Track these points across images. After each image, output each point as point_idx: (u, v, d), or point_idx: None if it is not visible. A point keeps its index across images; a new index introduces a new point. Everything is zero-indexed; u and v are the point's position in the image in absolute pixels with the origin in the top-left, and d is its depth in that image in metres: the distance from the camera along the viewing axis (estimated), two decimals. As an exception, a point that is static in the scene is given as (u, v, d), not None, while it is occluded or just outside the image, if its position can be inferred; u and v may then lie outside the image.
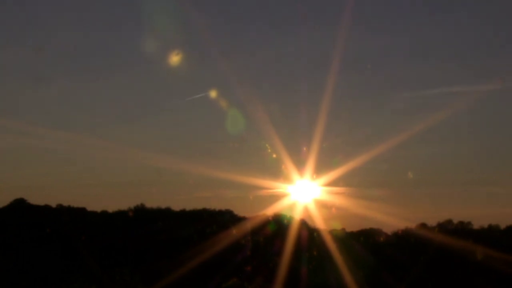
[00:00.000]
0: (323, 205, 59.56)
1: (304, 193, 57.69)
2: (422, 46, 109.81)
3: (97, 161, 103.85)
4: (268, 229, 55.23)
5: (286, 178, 55.39)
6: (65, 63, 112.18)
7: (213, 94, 59.19)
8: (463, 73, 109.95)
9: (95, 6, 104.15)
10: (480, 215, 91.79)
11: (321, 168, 54.77)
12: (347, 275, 44.57)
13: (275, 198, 71.18)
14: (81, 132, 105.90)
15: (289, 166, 53.16)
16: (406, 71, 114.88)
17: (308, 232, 54.38)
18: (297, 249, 49.37)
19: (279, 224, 55.80)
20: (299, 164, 53.81)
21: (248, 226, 55.64)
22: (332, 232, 54.92)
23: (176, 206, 75.07)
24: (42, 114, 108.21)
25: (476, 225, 73.19)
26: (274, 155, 52.98)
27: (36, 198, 68.75)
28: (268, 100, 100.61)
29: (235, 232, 57.35)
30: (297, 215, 59.06)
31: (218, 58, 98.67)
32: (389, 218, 67.54)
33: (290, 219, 56.31)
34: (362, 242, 58.45)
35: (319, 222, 59.21)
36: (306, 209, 59.56)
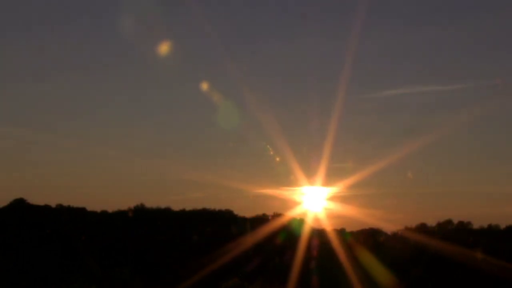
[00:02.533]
0: (327, 208, 59.74)
1: (310, 197, 57.74)
2: (432, 44, 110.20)
3: (97, 161, 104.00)
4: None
5: (289, 180, 55.39)
6: (65, 62, 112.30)
7: (220, 100, 59.15)
8: (467, 71, 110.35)
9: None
10: (480, 215, 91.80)
11: (322, 170, 54.81)
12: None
13: (275, 198, 71.39)
14: (80, 133, 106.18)
15: (293, 168, 53.14)
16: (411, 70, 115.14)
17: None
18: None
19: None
20: (303, 167, 53.79)
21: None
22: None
23: (176, 206, 75.23)
24: (40, 115, 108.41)
25: (476, 225, 73.25)
26: (278, 158, 52.97)
27: (36, 198, 68.79)
28: (275, 101, 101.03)
29: (241, 235, 57.33)
30: (303, 219, 59.02)
31: (225, 59, 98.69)
32: (389, 219, 67.59)
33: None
34: (362, 242, 58.37)
35: (325, 225, 59.32)
36: (311, 213, 59.62)
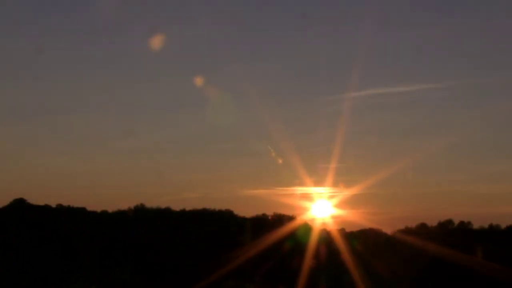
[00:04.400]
0: (327, 208, 59.65)
1: (310, 197, 57.65)
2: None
3: (97, 161, 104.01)
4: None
5: (287, 181, 55.36)
6: (64, 62, 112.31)
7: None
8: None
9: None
10: (480, 215, 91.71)
11: (321, 170, 54.79)
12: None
13: (274, 198, 71.26)
14: (80, 133, 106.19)
15: (293, 169, 53.04)
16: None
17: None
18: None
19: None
20: (302, 168, 53.68)
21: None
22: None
23: (176, 206, 75.17)
24: (40, 115, 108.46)
25: (476, 225, 73.10)
26: (280, 161, 52.99)
27: (36, 198, 68.74)
28: (275, 101, 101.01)
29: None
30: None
31: (225, 57, 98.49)
32: (389, 219, 67.48)
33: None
34: (362, 242, 58.29)
35: (325, 225, 59.19)
36: (312, 214, 59.44)
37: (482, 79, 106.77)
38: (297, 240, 53.67)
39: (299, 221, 61.44)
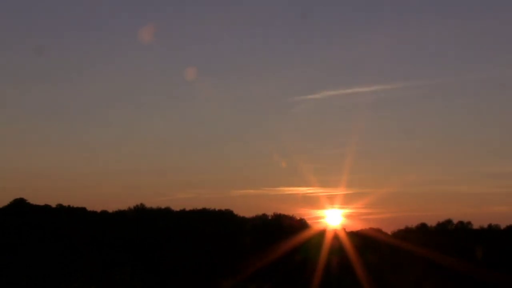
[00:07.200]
0: (329, 209, 59.72)
1: (309, 198, 57.68)
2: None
3: (96, 161, 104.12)
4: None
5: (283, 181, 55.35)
6: (64, 63, 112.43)
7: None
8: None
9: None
10: (480, 215, 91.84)
11: (320, 169, 54.84)
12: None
13: (273, 198, 71.40)
14: (80, 133, 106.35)
15: (291, 169, 53.16)
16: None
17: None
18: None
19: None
20: (301, 168, 53.74)
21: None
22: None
23: (176, 206, 75.27)
24: (40, 115, 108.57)
25: (476, 225, 73.18)
26: (283, 164, 53.18)
27: (36, 198, 68.82)
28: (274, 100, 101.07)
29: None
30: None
31: (223, 55, 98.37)
32: (389, 218, 67.47)
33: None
34: (363, 242, 58.32)
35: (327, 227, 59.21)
36: (315, 215, 59.33)
37: (482, 75, 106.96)
38: (303, 245, 53.61)
39: (299, 223, 61.44)
